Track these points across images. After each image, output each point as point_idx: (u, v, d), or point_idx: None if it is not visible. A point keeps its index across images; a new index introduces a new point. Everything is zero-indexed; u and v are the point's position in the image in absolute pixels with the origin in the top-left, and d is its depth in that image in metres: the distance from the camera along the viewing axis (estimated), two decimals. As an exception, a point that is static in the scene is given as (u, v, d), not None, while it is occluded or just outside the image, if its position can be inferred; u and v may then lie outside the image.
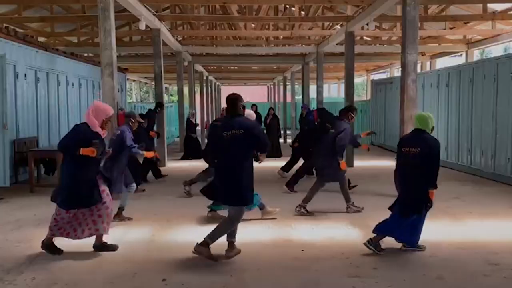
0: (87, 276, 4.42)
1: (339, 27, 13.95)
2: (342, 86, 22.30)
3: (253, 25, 15.85)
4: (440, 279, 4.31)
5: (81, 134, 4.93)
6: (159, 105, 11.74)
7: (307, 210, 6.72)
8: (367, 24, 11.36)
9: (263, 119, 15.08)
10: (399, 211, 5.08)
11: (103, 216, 5.05)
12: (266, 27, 15.82)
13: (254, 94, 48.25)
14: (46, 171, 9.78)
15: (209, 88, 29.59)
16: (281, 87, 31.38)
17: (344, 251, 5.05)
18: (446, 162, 11.12)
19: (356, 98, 13.00)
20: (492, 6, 12.51)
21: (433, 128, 5.14)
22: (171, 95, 43.73)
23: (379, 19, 12.00)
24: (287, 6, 14.09)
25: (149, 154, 6.85)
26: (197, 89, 24.61)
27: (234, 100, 4.89)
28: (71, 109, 12.44)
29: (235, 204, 4.85)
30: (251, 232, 5.76)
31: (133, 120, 6.81)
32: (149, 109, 12.28)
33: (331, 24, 15.32)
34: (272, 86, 39.35)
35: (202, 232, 5.83)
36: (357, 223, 6.22)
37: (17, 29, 12.15)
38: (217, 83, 37.02)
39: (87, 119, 5.01)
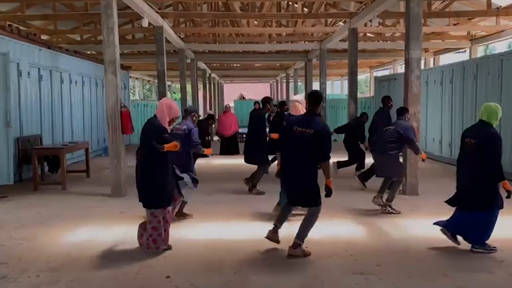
0: (91, 273, 4.42)
1: (342, 24, 13.89)
2: (345, 83, 22.26)
3: (255, 22, 15.82)
4: (445, 276, 4.29)
5: (157, 129, 4.95)
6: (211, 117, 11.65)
7: (394, 209, 6.60)
8: (370, 21, 11.32)
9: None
10: (460, 205, 5.00)
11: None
12: (269, 24, 15.78)
13: (256, 91, 48.26)
14: (50, 169, 9.79)
15: (212, 85, 29.62)
16: (284, 84, 31.36)
17: (348, 248, 5.04)
18: (451, 159, 11.07)
19: (359, 95, 12.96)
20: (496, 2, 12.42)
21: (500, 119, 5.08)
22: (174, 93, 43.73)
23: (383, 16, 11.94)
24: (290, 2, 14.07)
25: (209, 151, 6.85)
26: (200, 86, 24.60)
27: (317, 97, 4.86)
28: (74, 106, 12.46)
29: (311, 206, 4.84)
30: (254, 229, 5.75)
31: (196, 116, 6.83)
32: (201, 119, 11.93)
33: (334, 20, 15.26)
34: (275, 83, 39.33)
35: (200, 228, 5.85)
36: (361, 221, 6.20)
37: (20, 27, 12.16)
38: (220, 81, 37.05)
39: (161, 113, 4.99)
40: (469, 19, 14.09)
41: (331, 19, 15.02)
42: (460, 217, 4.97)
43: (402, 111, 7.06)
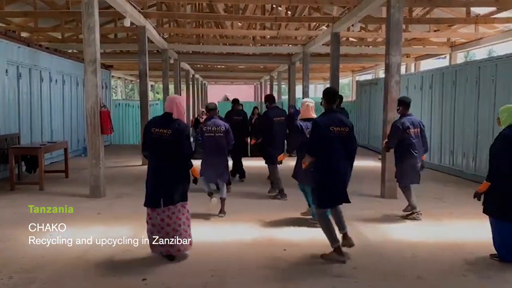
0: (66, 275, 4.36)
1: (325, 28, 14.01)
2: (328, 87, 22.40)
3: (239, 24, 15.83)
4: (419, 279, 4.36)
5: (187, 133, 4.90)
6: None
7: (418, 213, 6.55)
8: (352, 25, 11.42)
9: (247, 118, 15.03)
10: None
11: None
12: (253, 26, 15.80)
13: (240, 93, 48.21)
14: (27, 169, 9.61)
15: (196, 86, 29.51)
16: (268, 87, 31.45)
17: (326, 251, 5.07)
18: (429, 163, 11.24)
19: (341, 99, 13.06)
20: (475, 10, 12.68)
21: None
22: (157, 93, 43.45)
23: (365, 21, 12.08)
24: (274, 5, 14.09)
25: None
26: (183, 87, 24.49)
27: (333, 94, 4.95)
28: (54, 105, 12.28)
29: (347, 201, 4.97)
30: (234, 232, 5.75)
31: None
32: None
33: (317, 24, 15.37)
34: (258, 85, 39.40)
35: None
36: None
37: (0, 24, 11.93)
38: (203, 82, 36.92)
39: (182, 114, 4.85)
40: (449, 26, 14.35)
41: (314, 23, 15.12)
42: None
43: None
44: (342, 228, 4.95)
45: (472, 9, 12.36)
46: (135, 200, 7.77)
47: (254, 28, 15.80)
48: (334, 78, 12.31)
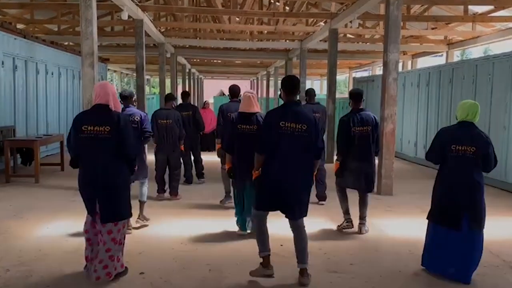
0: (63, 269, 4.34)
1: (323, 24, 13.98)
2: (325, 83, 22.44)
3: (237, 19, 15.77)
4: (416, 275, 4.39)
5: None
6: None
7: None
8: (350, 22, 11.42)
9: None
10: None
11: None
12: (250, 21, 15.77)
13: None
14: (23, 161, 9.58)
15: (192, 80, 29.45)
16: (264, 82, 31.43)
17: (322, 247, 5.10)
18: (425, 160, 11.28)
19: (338, 95, 13.06)
20: (472, 8, 12.71)
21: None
22: (153, 87, 43.32)
23: (363, 17, 12.06)
24: (272, 1, 14.08)
25: None
26: (180, 81, 24.42)
27: (293, 83, 4.26)
28: (50, 98, 12.21)
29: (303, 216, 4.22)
30: (230, 226, 5.76)
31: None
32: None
33: (315, 20, 15.34)
34: (255, 81, 39.35)
35: (175, 226, 5.82)
36: (335, 219, 6.25)
37: (-5, 15, 11.83)
38: (200, 76, 36.85)
39: (119, 105, 4.22)
40: (447, 24, 14.37)
41: (312, 19, 15.09)
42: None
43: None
44: (300, 261, 4.17)
45: (470, 7, 12.39)
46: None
47: (252, 23, 15.77)
48: (332, 74, 12.32)
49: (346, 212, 5.81)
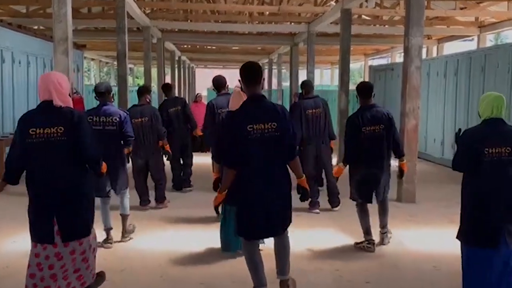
0: None
1: (334, 4, 14.00)
2: (336, 72, 22.44)
3: (234, -2, 15.80)
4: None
5: None
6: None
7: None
8: (366, 1, 11.43)
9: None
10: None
11: None
12: (250, 1, 15.78)
13: (234, 79, 48.12)
14: (-14, 164, 9.60)
15: (182, 70, 29.48)
16: (266, 71, 31.41)
17: (332, 262, 5.10)
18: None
19: (351, 86, 13.04)
20: (508, -15, 12.72)
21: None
22: (137, 77, 43.34)
23: (380, -4, 12.09)
24: (275, -23, 14.10)
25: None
26: (168, 71, 24.45)
27: (252, 71, 3.97)
28: (17, 90, 12.22)
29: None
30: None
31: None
32: None
33: (324, -1, 15.36)
34: (255, 70, 39.39)
35: (161, 238, 5.83)
36: (347, 229, 6.23)
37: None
38: (191, 65, 36.88)
39: (67, 98, 3.81)
40: (478, 3, 14.37)
41: (321, -2, 15.11)
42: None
43: None
44: (280, 272, 4.10)
45: (505, -17, 12.41)
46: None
47: (251, 4, 15.78)
48: (344, 62, 12.31)
49: (367, 233, 5.59)
